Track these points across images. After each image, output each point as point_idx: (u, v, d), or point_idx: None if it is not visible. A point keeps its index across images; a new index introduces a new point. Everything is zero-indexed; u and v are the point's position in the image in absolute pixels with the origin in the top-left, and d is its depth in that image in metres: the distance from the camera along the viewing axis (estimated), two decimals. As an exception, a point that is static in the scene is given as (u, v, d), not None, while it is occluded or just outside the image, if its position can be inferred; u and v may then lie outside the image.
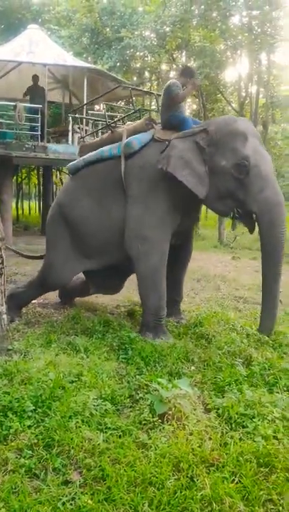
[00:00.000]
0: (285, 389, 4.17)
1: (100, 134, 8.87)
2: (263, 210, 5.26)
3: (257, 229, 5.55)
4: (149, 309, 5.55)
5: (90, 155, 6.08)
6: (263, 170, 5.32)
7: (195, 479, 2.90)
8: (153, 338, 5.27)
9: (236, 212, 5.57)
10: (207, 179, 5.40)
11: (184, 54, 24.75)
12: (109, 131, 6.32)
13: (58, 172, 26.06)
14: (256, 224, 5.48)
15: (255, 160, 5.27)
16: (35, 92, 15.35)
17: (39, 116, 14.69)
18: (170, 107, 5.76)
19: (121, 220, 5.64)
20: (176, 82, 5.76)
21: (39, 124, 14.70)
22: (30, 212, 30.62)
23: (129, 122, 6.63)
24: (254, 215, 5.41)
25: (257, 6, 21.60)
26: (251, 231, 5.71)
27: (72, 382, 4.07)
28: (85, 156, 6.17)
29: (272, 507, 2.77)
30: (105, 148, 5.97)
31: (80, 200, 5.95)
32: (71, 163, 6.43)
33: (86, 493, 2.78)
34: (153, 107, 8.25)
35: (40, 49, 15.23)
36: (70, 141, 16.13)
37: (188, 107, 29.89)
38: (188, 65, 6.86)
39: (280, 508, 2.75)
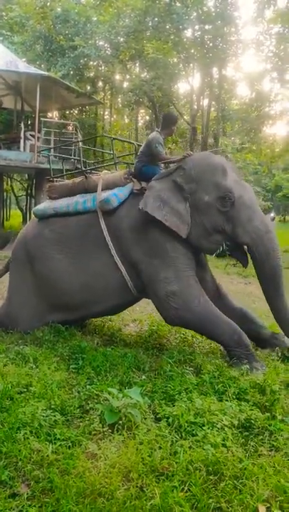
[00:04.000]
0: (234, 397, 4.21)
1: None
2: (256, 240, 5.25)
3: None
4: (230, 345, 5.17)
5: (62, 205, 5.89)
6: (248, 199, 5.37)
7: (145, 489, 2.90)
8: (250, 368, 4.84)
9: (225, 246, 5.44)
10: (188, 217, 5.36)
11: (137, 65, 24.98)
12: (83, 177, 6.12)
13: (8, 179, 25.72)
14: (248, 255, 5.44)
15: (238, 191, 5.32)
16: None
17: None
18: (149, 160, 5.78)
19: (100, 275, 5.55)
20: (159, 138, 5.71)
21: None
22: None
23: (106, 171, 6.47)
24: (245, 247, 5.41)
25: (209, 21, 22.05)
26: (245, 265, 5.60)
27: (21, 392, 4.02)
28: (55, 205, 5.94)
29: (220, 515, 2.80)
30: (79, 199, 5.81)
31: (51, 257, 5.73)
32: (38, 207, 6.18)
33: (34, 506, 2.75)
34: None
35: (-9, 55, 15.17)
36: (21, 148, 16.05)
37: (142, 118, 30.19)
38: (169, 112, 6.71)
39: (229, 516, 2.78)
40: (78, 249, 5.68)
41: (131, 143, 8.21)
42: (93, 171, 6.61)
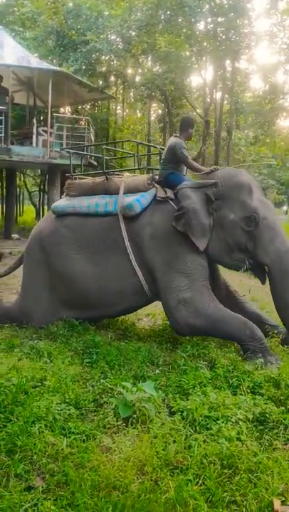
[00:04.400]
0: (248, 391, 4.21)
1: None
2: (275, 261, 5.37)
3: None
4: (243, 340, 5.20)
5: (82, 204, 5.84)
6: (271, 221, 5.49)
7: (159, 482, 2.90)
8: (265, 362, 4.89)
9: (248, 264, 5.54)
10: (209, 232, 5.44)
11: (149, 59, 24.88)
12: (104, 177, 6.09)
13: (21, 175, 25.80)
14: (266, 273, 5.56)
15: (263, 212, 5.42)
16: (-3, 93, 15.26)
17: (2, 117, 14.63)
18: (175, 167, 5.80)
19: (117, 279, 5.56)
20: (181, 143, 5.74)
21: (2, 126, 14.61)
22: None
23: (128, 174, 6.41)
24: (266, 267, 5.50)
25: (222, 13, 21.89)
26: (263, 282, 5.69)
27: (36, 386, 4.03)
28: (75, 204, 5.90)
29: (235, 508, 2.80)
30: (100, 201, 5.77)
31: (69, 256, 5.73)
32: (57, 204, 6.11)
33: (49, 499, 2.75)
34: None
35: (4, 50, 15.21)
36: (34, 144, 16.07)
37: (154, 112, 30.08)
38: (188, 116, 6.72)
39: (244, 509, 2.77)
40: (96, 251, 5.67)
41: (155, 147, 8.13)
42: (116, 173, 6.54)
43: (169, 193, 5.66)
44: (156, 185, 5.80)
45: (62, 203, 6.10)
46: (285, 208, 44.77)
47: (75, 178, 6.54)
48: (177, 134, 5.97)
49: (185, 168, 6.05)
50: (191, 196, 5.40)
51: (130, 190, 5.74)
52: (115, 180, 5.97)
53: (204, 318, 5.20)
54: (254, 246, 5.42)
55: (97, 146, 18.88)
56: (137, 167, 6.92)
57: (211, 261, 5.64)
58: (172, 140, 5.81)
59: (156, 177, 5.97)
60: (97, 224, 5.72)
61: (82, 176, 6.91)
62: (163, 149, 6.24)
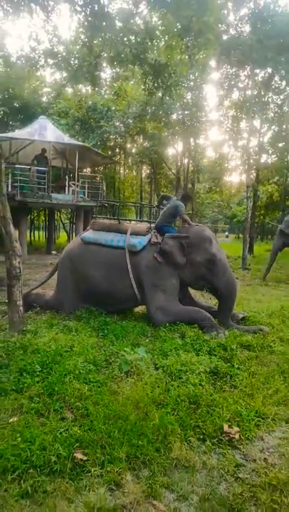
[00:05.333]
0: (206, 353, 4.20)
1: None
2: (225, 287, 5.53)
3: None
4: (202, 320, 5.17)
5: (101, 238, 5.78)
6: (223, 260, 5.62)
7: (148, 414, 2.89)
8: (217, 333, 4.89)
9: (207, 287, 5.71)
10: (183, 266, 5.50)
11: (141, 137, 25.13)
12: (118, 222, 6.11)
13: (58, 212, 25.82)
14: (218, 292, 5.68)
15: (219, 255, 5.55)
16: (41, 159, 15.38)
17: (45, 175, 14.78)
18: (170, 219, 5.88)
19: (120, 289, 5.54)
20: (183, 205, 5.84)
21: (45, 181, 14.72)
22: (39, 239, 30.09)
23: (134, 222, 6.38)
24: (219, 291, 5.62)
25: (188, 108, 22.28)
26: (217, 298, 5.82)
27: (67, 351, 4.01)
28: (97, 237, 5.81)
29: (198, 430, 2.79)
30: (114, 238, 5.72)
31: (92, 270, 5.63)
32: (86, 235, 5.96)
33: (76, 426, 2.74)
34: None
35: (47, 132, 15.30)
36: (66, 192, 16.13)
37: (144, 172, 30.27)
38: (187, 193, 6.77)
39: (204, 431, 2.77)
40: (108, 270, 5.60)
41: (152, 206, 8.14)
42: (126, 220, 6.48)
43: (159, 239, 5.69)
44: (152, 232, 5.81)
45: (88, 235, 5.99)
46: (226, 233, 44.97)
47: (97, 218, 6.56)
48: (180, 199, 6.04)
49: (176, 219, 6.12)
50: (170, 243, 5.47)
51: (134, 233, 5.75)
52: (125, 225, 5.99)
53: (173, 316, 5.24)
54: (212, 277, 5.52)
55: (106, 194, 18.84)
56: (139, 218, 6.94)
57: (184, 284, 5.73)
58: (178, 203, 5.86)
59: (152, 225, 6.02)
60: (111, 253, 5.67)
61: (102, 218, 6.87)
62: (153, 206, 6.29)
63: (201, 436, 2.73)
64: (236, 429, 2.79)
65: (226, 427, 2.79)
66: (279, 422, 2.98)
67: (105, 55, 12.02)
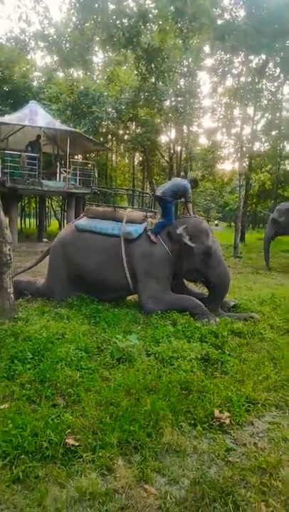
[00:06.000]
0: (198, 339, 4.23)
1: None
2: (218, 279, 5.55)
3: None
4: (193, 308, 5.18)
5: (96, 226, 5.68)
6: (218, 253, 5.64)
7: (140, 400, 2.90)
8: (208, 321, 4.91)
9: (201, 279, 5.73)
10: (185, 254, 5.48)
11: (133, 124, 24.86)
12: (113, 209, 6.00)
13: (49, 199, 25.57)
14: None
15: (214, 248, 5.55)
16: (35, 145, 15.20)
17: (36, 161, 14.62)
18: (175, 199, 5.87)
19: (113, 278, 5.49)
20: (189, 185, 5.79)
21: (36, 167, 14.53)
22: (30, 226, 29.85)
23: (129, 209, 6.22)
24: (212, 283, 5.63)
25: (181, 95, 22.05)
26: (208, 290, 5.85)
27: (59, 338, 4.00)
28: (91, 225, 5.72)
29: (189, 415, 2.82)
30: (109, 226, 5.63)
31: (86, 257, 5.57)
32: (80, 223, 5.86)
33: (68, 412, 2.74)
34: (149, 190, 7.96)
35: (38, 117, 15.04)
36: (57, 179, 15.97)
37: (136, 159, 30.02)
38: (196, 178, 6.71)
39: (195, 416, 2.80)
40: (102, 258, 5.54)
41: (148, 194, 8.00)
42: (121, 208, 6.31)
43: (154, 238, 5.62)
44: (147, 220, 5.75)
45: (82, 222, 5.90)
46: (216, 221, 44.75)
47: (91, 205, 6.48)
48: (188, 181, 5.97)
49: (175, 200, 6.04)
50: (180, 227, 5.45)
51: (130, 221, 5.67)
52: (120, 212, 5.89)
53: (164, 304, 5.22)
54: (206, 269, 5.53)
55: (98, 181, 18.63)
56: (132, 205, 6.89)
57: (179, 275, 5.75)
58: (186, 183, 5.81)
59: (149, 214, 5.99)
60: (105, 241, 5.60)
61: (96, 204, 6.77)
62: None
63: (192, 422, 2.75)
64: (227, 414, 2.82)
65: (216, 413, 2.82)
66: (269, 408, 3.02)
67: (97, 38, 11.77)
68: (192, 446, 2.50)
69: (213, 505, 2.02)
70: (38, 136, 15.26)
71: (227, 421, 2.75)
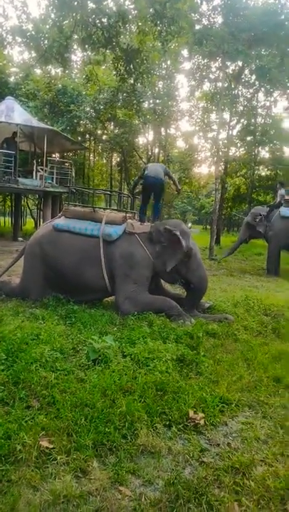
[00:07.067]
0: (173, 340, 4.26)
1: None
2: (197, 281, 5.62)
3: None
4: (169, 309, 5.23)
5: (75, 226, 5.60)
6: (198, 256, 5.70)
7: (115, 401, 2.89)
8: (184, 322, 4.97)
9: (180, 281, 5.79)
10: (160, 255, 5.54)
11: (112, 124, 24.81)
12: (92, 209, 5.92)
13: (25, 197, 25.12)
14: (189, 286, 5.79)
15: (194, 250, 5.60)
16: (11, 143, 14.85)
17: (13, 159, 14.30)
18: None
19: (91, 279, 5.43)
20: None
21: (12, 165, 14.24)
22: (5, 225, 29.19)
23: (109, 210, 6.19)
24: (191, 284, 5.69)
25: (159, 97, 22.16)
26: (186, 291, 5.94)
27: (33, 339, 3.93)
28: (70, 225, 5.63)
29: (164, 416, 2.83)
30: (89, 227, 5.56)
31: (64, 258, 5.47)
32: (59, 222, 5.76)
33: (42, 414, 2.70)
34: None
35: (14, 114, 14.75)
36: (34, 177, 15.72)
37: (114, 160, 29.92)
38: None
39: (170, 417, 2.81)
40: (79, 259, 5.46)
41: (128, 195, 8.15)
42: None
43: (136, 228, 5.62)
44: (127, 221, 5.72)
45: (61, 222, 5.80)
46: (190, 224, 44.96)
47: (70, 205, 6.42)
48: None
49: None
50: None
51: (109, 222, 5.62)
52: (99, 213, 5.83)
53: (140, 306, 5.21)
54: (186, 271, 5.57)
55: (76, 180, 18.40)
56: (110, 206, 6.92)
57: (159, 277, 5.80)
58: (165, 168, 6.21)
59: (129, 215, 6.02)
60: (84, 242, 5.53)
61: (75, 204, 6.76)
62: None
63: (167, 423, 2.76)
64: (201, 415, 2.85)
65: (191, 413, 2.84)
66: (242, 408, 3.07)
67: (76, 36, 11.67)
68: (167, 447, 2.51)
69: (187, 505, 2.03)
70: (14, 133, 14.94)
71: (201, 421, 2.78)
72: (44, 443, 2.39)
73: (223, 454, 2.48)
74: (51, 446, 2.39)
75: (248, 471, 2.31)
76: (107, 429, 2.55)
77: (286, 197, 11.32)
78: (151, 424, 2.71)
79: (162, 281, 6.16)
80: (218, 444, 2.60)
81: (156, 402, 2.94)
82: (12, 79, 22.77)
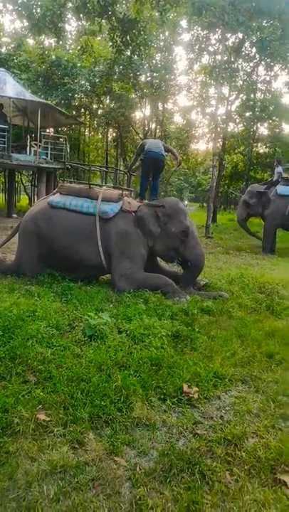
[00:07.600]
0: (169, 317, 4.30)
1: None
2: (194, 259, 5.63)
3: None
4: (165, 287, 5.22)
5: (71, 203, 5.55)
6: (195, 234, 5.73)
7: (111, 376, 2.93)
8: (179, 299, 5.00)
9: (178, 259, 5.83)
10: (157, 235, 5.54)
11: (108, 98, 24.22)
12: (88, 186, 5.88)
13: (19, 173, 24.77)
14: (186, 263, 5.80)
15: (191, 228, 5.61)
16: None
17: (5, 133, 13.98)
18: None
19: (87, 257, 5.42)
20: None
21: (5, 139, 13.94)
22: (-1, 202, 28.97)
23: (105, 187, 6.11)
24: (189, 262, 5.70)
25: (157, 70, 21.58)
26: (184, 269, 5.94)
27: (29, 316, 3.94)
28: (66, 202, 5.57)
29: (159, 390, 2.88)
30: (85, 204, 5.52)
31: (59, 235, 5.44)
32: (54, 199, 5.69)
33: (39, 388, 2.73)
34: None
35: (6, 86, 14.31)
36: (28, 153, 15.43)
37: (110, 135, 29.40)
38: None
39: (165, 391, 2.86)
40: (76, 236, 5.43)
41: (125, 172, 8.08)
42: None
43: (132, 207, 5.61)
44: (124, 199, 5.69)
45: (56, 198, 5.73)
46: (186, 202, 44.30)
47: (65, 182, 6.33)
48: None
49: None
50: (144, 210, 5.55)
51: (105, 199, 5.58)
52: (96, 190, 5.78)
53: (136, 283, 5.23)
54: (184, 249, 5.59)
55: (70, 156, 18.08)
56: (106, 182, 6.84)
57: (156, 255, 5.82)
58: (164, 143, 6.24)
59: (126, 192, 5.98)
60: (80, 219, 5.50)
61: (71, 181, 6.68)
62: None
63: (162, 396, 2.82)
64: (195, 389, 2.90)
65: (185, 387, 2.90)
66: (235, 382, 3.14)
67: (71, 4, 11.23)
68: (161, 420, 2.57)
69: (180, 475, 2.10)
70: (1, 106, 14.40)
71: (195, 395, 2.84)
72: (41, 416, 2.44)
73: (216, 427, 2.54)
74: (48, 419, 2.43)
75: (240, 442, 2.38)
76: (102, 403, 2.60)
77: (283, 175, 11.24)
78: (146, 398, 2.76)
79: (159, 259, 6.17)
80: (212, 417, 2.67)
81: (151, 376, 2.99)
82: (3, 49, 22.03)
